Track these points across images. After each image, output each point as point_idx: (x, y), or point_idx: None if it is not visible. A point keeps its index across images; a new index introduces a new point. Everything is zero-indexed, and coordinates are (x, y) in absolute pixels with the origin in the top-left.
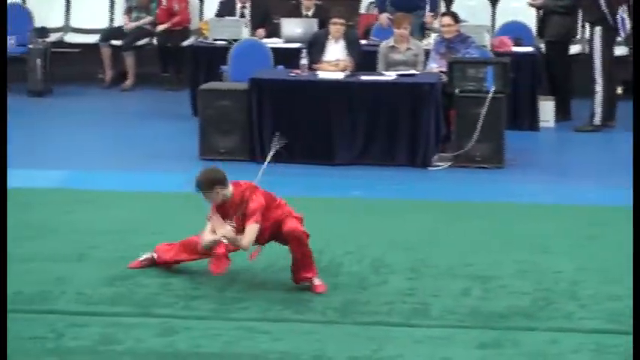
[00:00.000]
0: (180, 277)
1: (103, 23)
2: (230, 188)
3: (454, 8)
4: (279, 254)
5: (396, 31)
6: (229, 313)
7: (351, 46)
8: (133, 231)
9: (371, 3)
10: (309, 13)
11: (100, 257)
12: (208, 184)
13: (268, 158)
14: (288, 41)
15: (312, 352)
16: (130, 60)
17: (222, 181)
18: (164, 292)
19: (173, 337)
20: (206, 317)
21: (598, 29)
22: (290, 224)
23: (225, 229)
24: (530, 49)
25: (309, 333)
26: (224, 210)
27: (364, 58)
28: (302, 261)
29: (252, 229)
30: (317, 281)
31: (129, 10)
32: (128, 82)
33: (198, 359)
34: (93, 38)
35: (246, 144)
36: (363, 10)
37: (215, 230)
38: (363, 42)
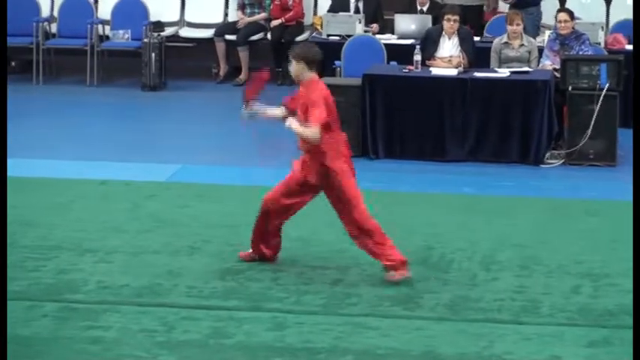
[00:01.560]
0: (290, 271)
1: (218, 18)
2: (312, 75)
3: (568, 5)
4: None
5: (509, 27)
6: (339, 309)
7: (465, 42)
8: (246, 225)
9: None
10: (424, 9)
11: (213, 251)
12: (299, 54)
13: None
14: (401, 37)
15: (421, 349)
16: (243, 55)
17: (310, 61)
18: (275, 286)
19: (283, 332)
20: (316, 312)
21: None
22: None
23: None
24: None
25: (419, 329)
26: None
27: (477, 55)
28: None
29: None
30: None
31: (243, 6)
32: (242, 77)
33: (308, 354)
34: (207, 33)
35: (358, 139)
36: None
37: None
38: (476, 38)
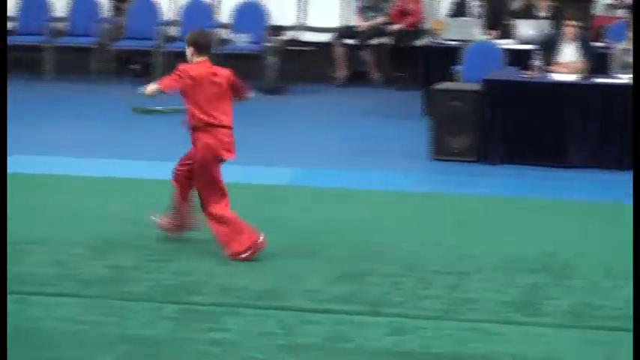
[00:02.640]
0: (410, 276)
1: (337, 22)
2: (200, 59)
3: None
4: (508, 256)
5: (629, 33)
6: (459, 314)
7: (585, 48)
8: (366, 230)
9: (609, 5)
10: (544, 14)
11: (333, 255)
12: (189, 40)
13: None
14: (522, 42)
15: (542, 356)
16: (367, 57)
17: (199, 46)
18: (394, 291)
19: (403, 337)
20: (436, 317)
21: None
22: None
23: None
24: None
25: (540, 336)
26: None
27: (597, 60)
28: None
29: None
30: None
31: (361, 10)
32: (372, 77)
33: (429, 359)
34: (327, 37)
35: (476, 144)
36: (596, 11)
37: None
38: (597, 44)
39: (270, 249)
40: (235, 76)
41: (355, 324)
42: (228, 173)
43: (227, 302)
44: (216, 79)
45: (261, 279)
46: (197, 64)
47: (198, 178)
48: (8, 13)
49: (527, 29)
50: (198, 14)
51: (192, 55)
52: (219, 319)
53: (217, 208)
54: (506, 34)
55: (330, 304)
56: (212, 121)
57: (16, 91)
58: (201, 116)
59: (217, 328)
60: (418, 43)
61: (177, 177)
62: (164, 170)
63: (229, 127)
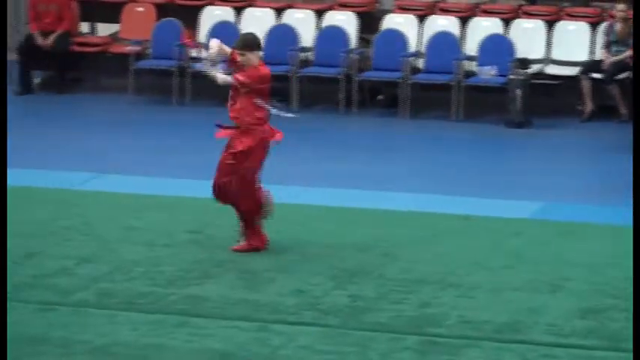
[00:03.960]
0: None
1: (584, 56)
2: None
3: None
4: None
5: None
6: None
7: None
8: (609, 265)
9: None
10: None
11: (574, 289)
12: (257, 43)
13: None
14: None
15: None
16: (614, 92)
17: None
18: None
19: None
20: None
21: None
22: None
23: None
24: None
25: None
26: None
27: None
28: None
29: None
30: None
31: (608, 44)
32: (620, 112)
33: None
34: (573, 70)
35: None
36: None
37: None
38: None
39: (511, 282)
40: None
41: (594, 359)
42: (469, 205)
43: (468, 335)
44: None
45: (502, 312)
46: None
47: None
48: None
49: None
50: (445, 46)
51: (258, 57)
52: (460, 351)
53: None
54: None
55: (570, 339)
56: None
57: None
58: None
59: None
60: None
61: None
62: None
63: None
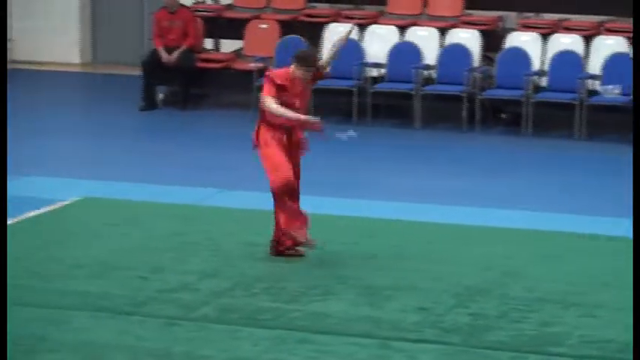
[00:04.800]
0: None
1: None
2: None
3: None
4: None
5: None
6: None
7: None
8: None
9: None
10: None
11: None
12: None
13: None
14: None
15: None
16: None
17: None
18: None
19: None
20: None
21: None
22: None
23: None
24: None
25: None
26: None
27: None
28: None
29: None
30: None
31: None
32: None
33: None
34: None
35: None
36: None
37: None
38: None
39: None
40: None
41: None
42: (593, 225)
43: (590, 354)
44: None
45: (625, 331)
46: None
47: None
48: (379, 60)
49: None
50: (568, 65)
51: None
52: None
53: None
54: None
55: None
56: None
57: (386, 138)
58: None
59: None
60: None
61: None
62: (542, 221)
63: None
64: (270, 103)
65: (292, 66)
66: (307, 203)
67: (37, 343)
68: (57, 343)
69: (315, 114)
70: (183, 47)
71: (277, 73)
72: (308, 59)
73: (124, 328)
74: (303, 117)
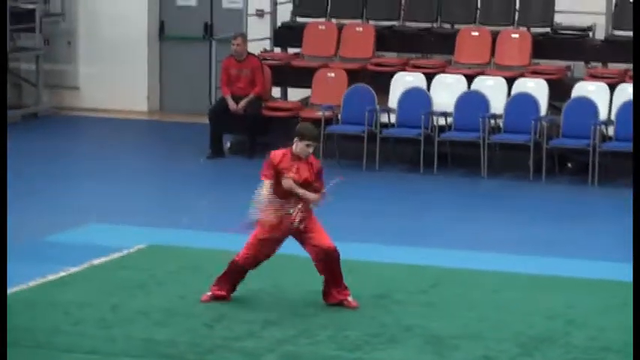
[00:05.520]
0: None
1: None
2: None
3: None
4: None
5: None
6: None
7: None
8: None
9: None
10: None
11: None
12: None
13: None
14: None
15: None
16: None
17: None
18: None
19: None
20: None
21: None
22: (325, 240)
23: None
24: None
25: None
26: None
27: None
28: (335, 280)
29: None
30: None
31: None
32: None
33: None
34: None
35: None
36: None
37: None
38: None
39: None
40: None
41: None
42: None
43: None
44: None
45: None
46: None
47: None
48: (446, 109)
49: None
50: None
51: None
52: None
53: None
54: None
55: None
56: None
57: (452, 186)
58: None
59: None
60: None
61: None
62: (609, 270)
63: None
64: (264, 187)
65: (295, 143)
66: (372, 251)
67: None
68: None
69: (381, 163)
70: (251, 96)
71: (276, 154)
72: (309, 133)
73: None
74: (311, 196)
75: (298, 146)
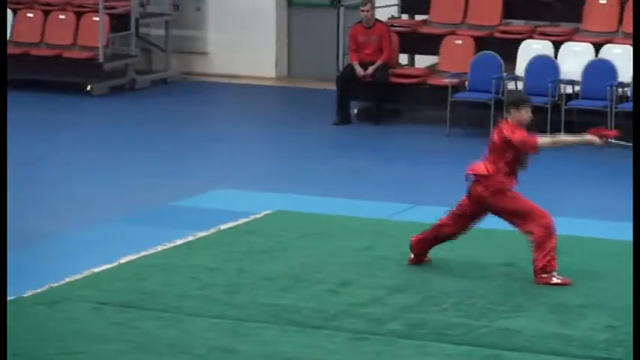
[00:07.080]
0: None
1: None
2: None
3: None
4: None
5: None
6: None
7: None
8: None
9: None
10: None
11: None
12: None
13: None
14: None
15: None
16: None
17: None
18: None
19: None
20: None
21: None
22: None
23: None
24: None
25: None
26: None
27: None
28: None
29: None
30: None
31: None
32: None
33: None
34: None
35: None
36: None
37: None
38: None
39: None
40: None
41: None
42: None
43: None
44: None
45: None
46: None
47: None
48: (573, 77)
49: None
50: None
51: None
52: None
53: None
54: None
55: None
56: None
57: (577, 155)
58: None
59: None
60: None
61: None
62: None
63: None
64: (540, 139)
65: (513, 113)
66: (497, 219)
67: (224, 355)
68: (245, 355)
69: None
70: (379, 62)
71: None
72: (525, 99)
73: (312, 341)
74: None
75: (519, 114)
